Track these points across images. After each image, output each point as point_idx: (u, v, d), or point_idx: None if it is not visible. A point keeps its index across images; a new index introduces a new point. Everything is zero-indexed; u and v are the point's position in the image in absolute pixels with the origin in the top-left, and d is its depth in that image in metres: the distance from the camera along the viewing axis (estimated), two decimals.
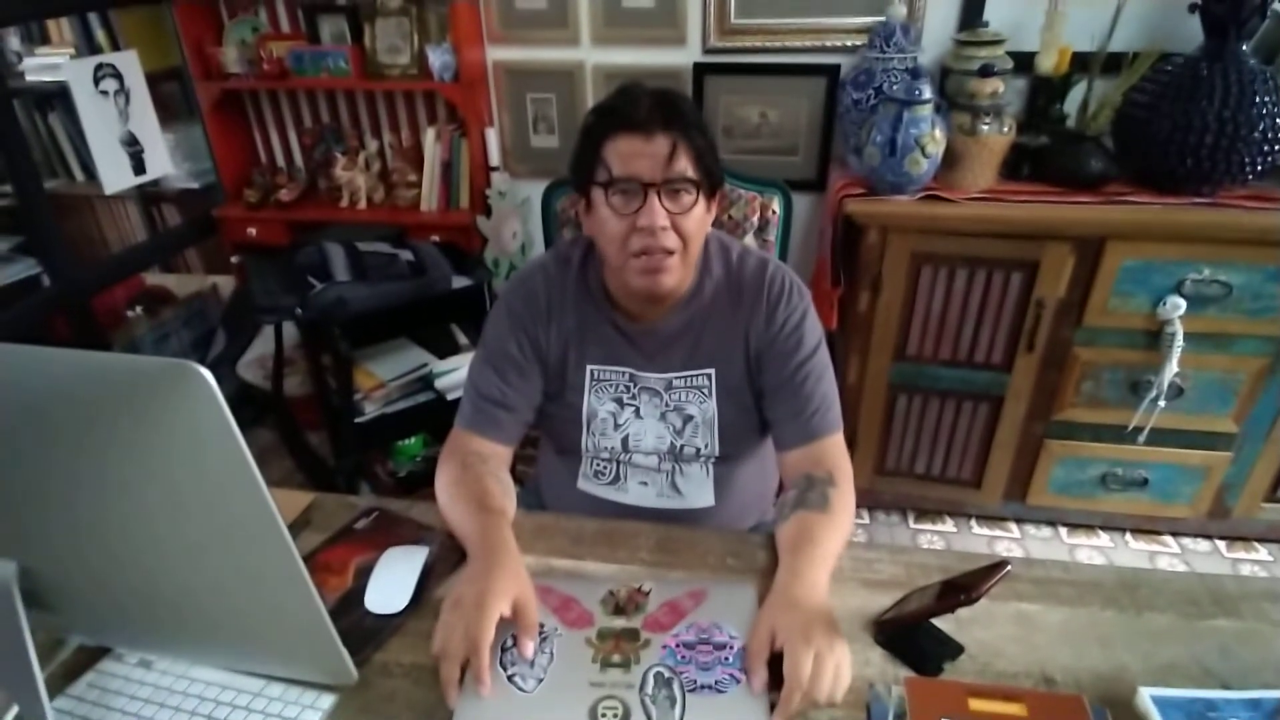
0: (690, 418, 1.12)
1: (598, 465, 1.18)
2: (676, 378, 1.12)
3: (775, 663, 0.77)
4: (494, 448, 1.09)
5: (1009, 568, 0.81)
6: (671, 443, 1.13)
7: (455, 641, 0.78)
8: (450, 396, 2.04)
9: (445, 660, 0.78)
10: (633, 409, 1.13)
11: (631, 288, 1.05)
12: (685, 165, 0.98)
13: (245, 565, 0.68)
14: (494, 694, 0.77)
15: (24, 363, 0.62)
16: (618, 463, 1.17)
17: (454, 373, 2.04)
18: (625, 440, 1.14)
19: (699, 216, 1.01)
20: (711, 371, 1.11)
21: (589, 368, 1.12)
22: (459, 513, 0.99)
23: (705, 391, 1.11)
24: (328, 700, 0.78)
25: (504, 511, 1.00)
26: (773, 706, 0.75)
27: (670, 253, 0.99)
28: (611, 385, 1.13)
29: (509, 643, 0.82)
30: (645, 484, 1.17)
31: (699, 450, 1.14)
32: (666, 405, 1.12)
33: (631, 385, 1.12)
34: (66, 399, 0.62)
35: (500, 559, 0.88)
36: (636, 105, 0.97)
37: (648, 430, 1.13)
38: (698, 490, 1.17)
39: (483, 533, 0.93)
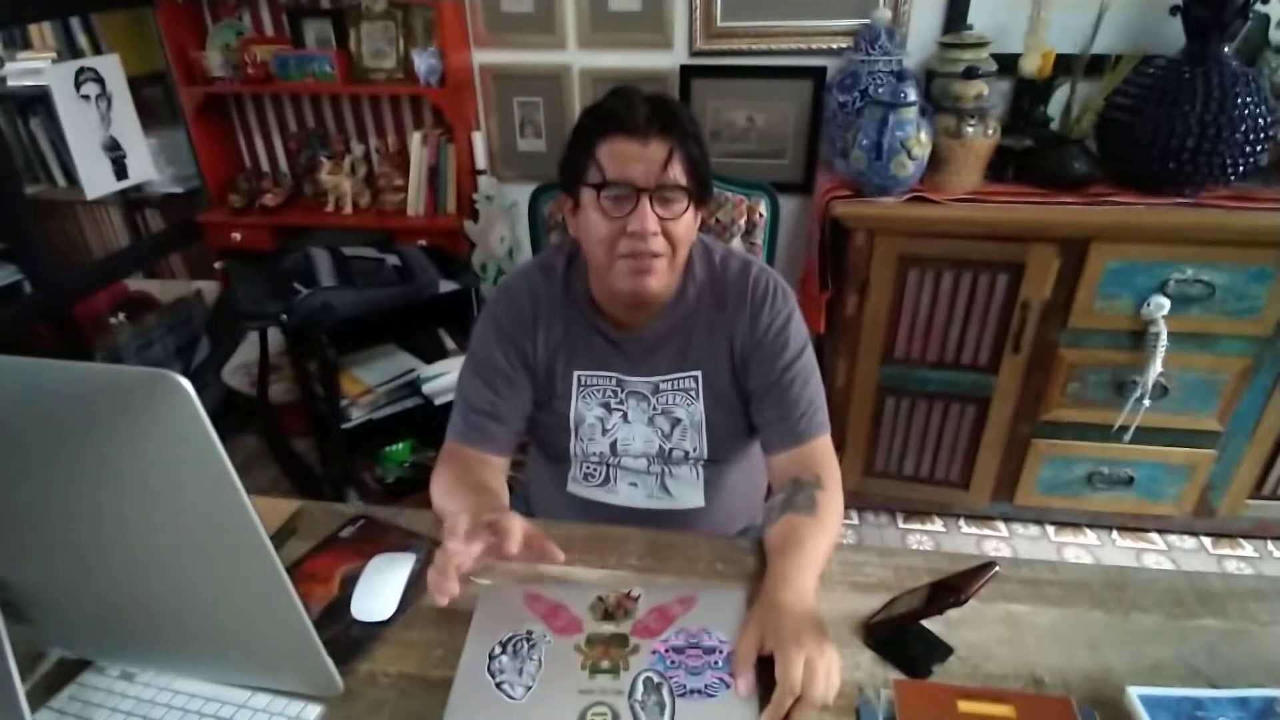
0: (678, 421, 1.12)
1: (587, 468, 1.18)
2: (664, 381, 1.11)
3: (763, 666, 0.77)
4: (487, 459, 1.09)
5: (997, 569, 0.82)
6: (660, 446, 1.13)
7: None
8: (438, 401, 2.03)
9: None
10: (620, 414, 1.13)
11: (617, 290, 1.04)
12: (679, 172, 0.97)
13: (227, 576, 0.68)
14: (481, 703, 0.76)
15: (1, 372, 0.61)
16: (607, 465, 1.17)
17: (441, 377, 2.04)
18: (614, 445, 1.14)
19: (688, 223, 1.01)
20: (698, 374, 1.11)
21: (576, 374, 1.12)
22: (456, 500, 1.00)
23: (693, 394, 1.11)
24: (313, 711, 0.77)
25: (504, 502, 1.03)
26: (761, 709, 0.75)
27: (657, 256, 0.99)
28: (599, 390, 1.12)
29: (496, 650, 0.82)
30: (635, 485, 1.17)
31: (688, 453, 1.13)
32: (654, 409, 1.12)
33: (619, 390, 1.12)
34: (44, 409, 0.61)
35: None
36: (634, 109, 0.96)
37: (636, 434, 1.13)
38: (688, 491, 1.17)
39: (480, 506, 0.95)
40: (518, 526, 0.86)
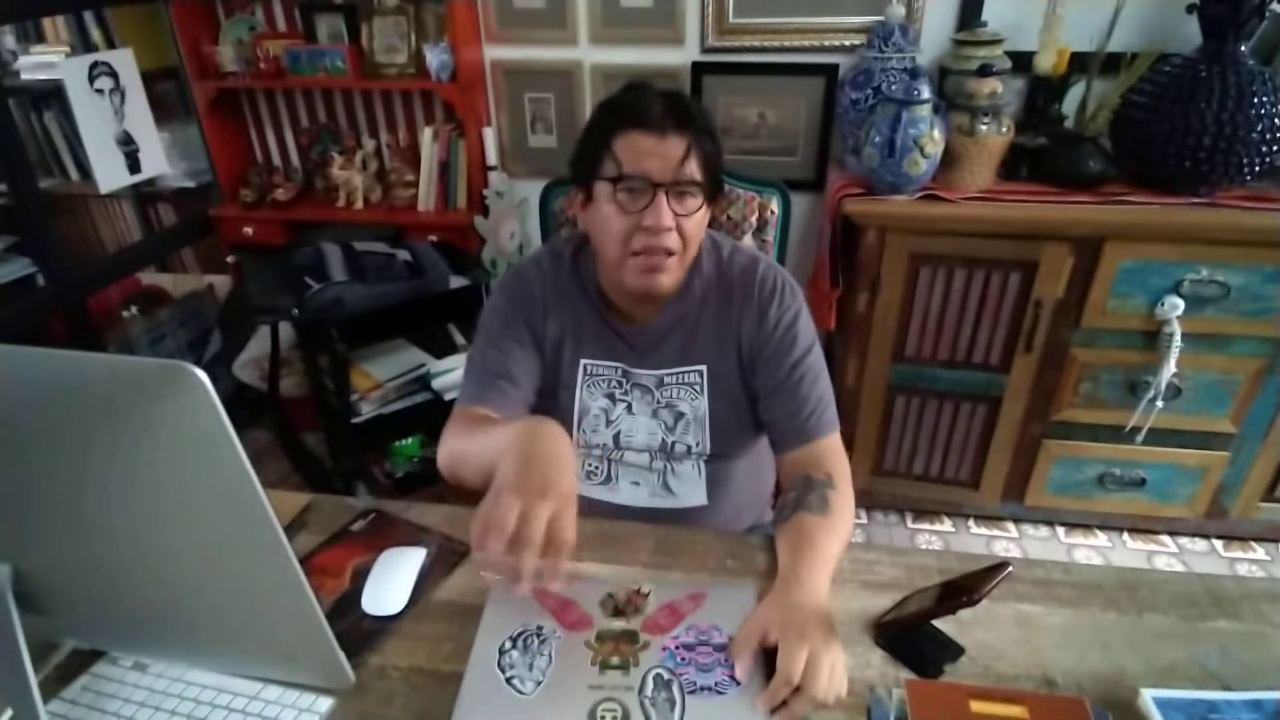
0: (681, 415, 1.12)
1: (589, 465, 1.17)
2: (668, 374, 1.11)
3: (769, 658, 0.77)
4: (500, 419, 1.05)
5: (1010, 569, 0.81)
6: (663, 440, 1.13)
7: (519, 519, 0.71)
8: (448, 397, 2.04)
9: (515, 547, 0.71)
10: (624, 405, 1.13)
11: (627, 286, 1.04)
12: (695, 168, 0.98)
13: (241, 567, 0.68)
14: (491, 698, 0.77)
15: (18, 363, 0.61)
16: (609, 461, 1.16)
17: (451, 373, 2.04)
18: (616, 437, 1.14)
19: (700, 219, 1.02)
20: (703, 369, 1.11)
21: (583, 362, 1.12)
22: (478, 439, 0.92)
23: (697, 388, 1.11)
24: (325, 703, 0.78)
25: None
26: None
27: (670, 254, 0.99)
28: (604, 380, 1.12)
29: (506, 645, 0.82)
30: (637, 484, 1.17)
31: (690, 448, 1.13)
32: (658, 402, 1.12)
33: (624, 381, 1.12)
34: (61, 400, 0.61)
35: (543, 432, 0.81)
36: (651, 104, 0.97)
37: (639, 427, 1.13)
38: (690, 489, 1.16)
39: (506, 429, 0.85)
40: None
